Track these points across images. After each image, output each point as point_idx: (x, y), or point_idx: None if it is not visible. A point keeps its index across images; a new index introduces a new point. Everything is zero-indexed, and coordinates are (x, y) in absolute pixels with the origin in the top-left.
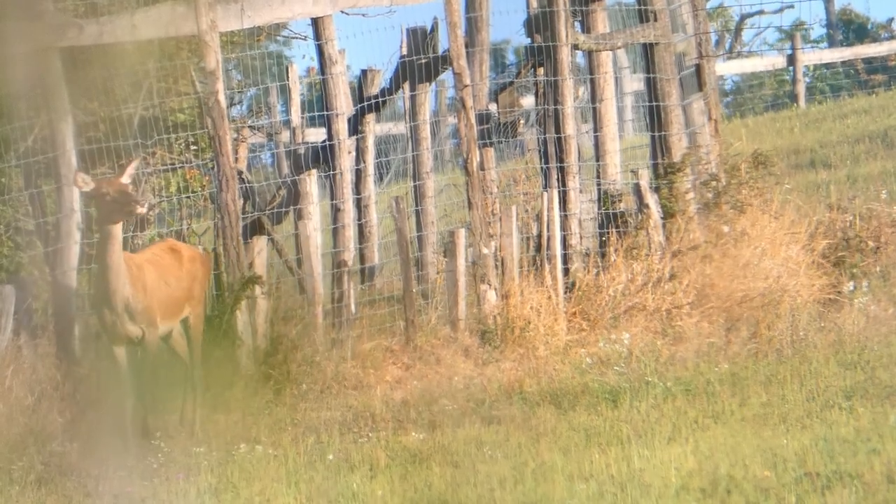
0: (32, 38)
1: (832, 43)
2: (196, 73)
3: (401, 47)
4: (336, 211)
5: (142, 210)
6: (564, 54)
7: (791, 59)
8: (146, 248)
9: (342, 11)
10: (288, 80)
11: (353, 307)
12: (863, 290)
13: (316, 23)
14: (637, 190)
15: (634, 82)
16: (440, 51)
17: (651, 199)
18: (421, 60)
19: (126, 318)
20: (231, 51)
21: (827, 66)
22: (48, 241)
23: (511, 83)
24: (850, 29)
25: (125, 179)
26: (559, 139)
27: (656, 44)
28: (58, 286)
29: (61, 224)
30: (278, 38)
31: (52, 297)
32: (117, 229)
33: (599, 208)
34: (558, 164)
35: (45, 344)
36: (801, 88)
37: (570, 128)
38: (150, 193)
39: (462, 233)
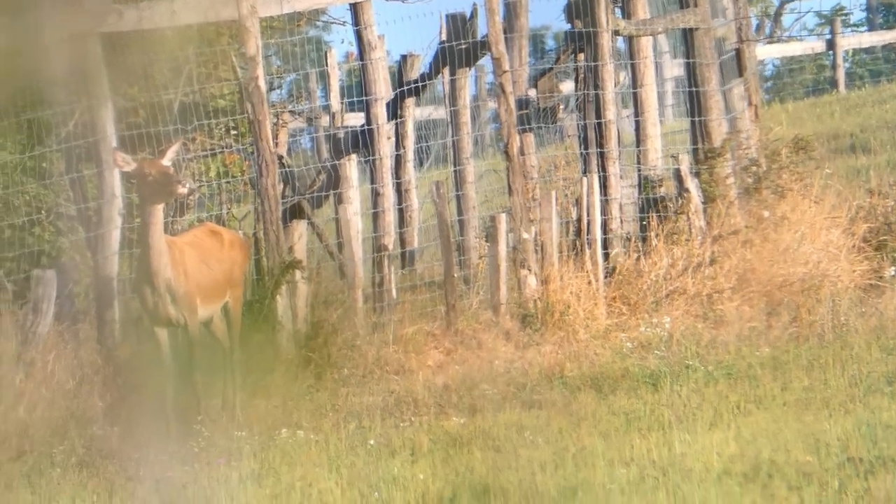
0: (72, 23)
1: (872, 27)
2: (236, 59)
3: (440, 33)
4: (376, 195)
5: (183, 190)
6: (604, 40)
7: (830, 44)
8: (186, 231)
9: None
10: (327, 65)
11: (393, 292)
12: None
13: (355, 8)
14: (677, 175)
15: (675, 67)
16: (479, 36)
17: (691, 184)
18: (460, 46)
19: (168, 300)
20: (271, 36)
21: (867, 50)
22: (89, 226)
23: (550, 69)
24: (891, 12)
25: (166, 161)
26: (599, 124)
27: (696, 29)
28: (99, 271)
29: (102, 209)
30: (318, 23)
31: (94, 282)
32: (158, 211)
33: (640, 193)
34: (598, 150)
35: (87, 328)
36: (840, 74)
37: (610, 113)
38: (191, 178)
39: (503, 218)
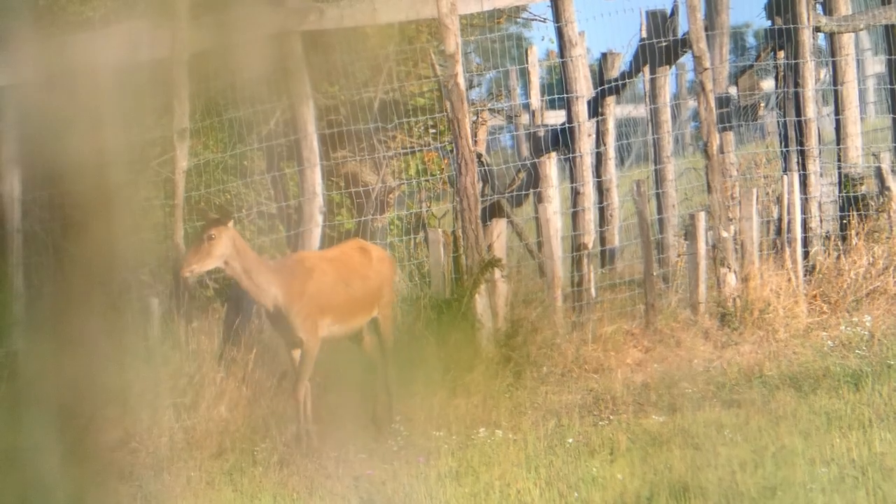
0: (274, 22)
1: None
2: (435, 57)
3: (640, 30)
4: (576, 194)
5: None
6: (805, 37)
7: None
8: (338, 245)
9: None
10: (527, 62)
11: (593, 290)
12: None
13: (555, 5)
14: (878, 173)
15: (876, 64)
16: (680, 34)
17: (893, 183)
18: (661, 43)
19: (278, 323)
20: (470, 34)
21: None
22: (290, 224)
23: (751, 66)
24: None
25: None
26: (799, 122)
27: None
28: None
29: (303, 207)
30: (518, 20)
31: None
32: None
33: (840, 191)
34: (798, 148)
35: None
36: None
37: (810, 111)
38: (391, 176)
39: (702, 216)
